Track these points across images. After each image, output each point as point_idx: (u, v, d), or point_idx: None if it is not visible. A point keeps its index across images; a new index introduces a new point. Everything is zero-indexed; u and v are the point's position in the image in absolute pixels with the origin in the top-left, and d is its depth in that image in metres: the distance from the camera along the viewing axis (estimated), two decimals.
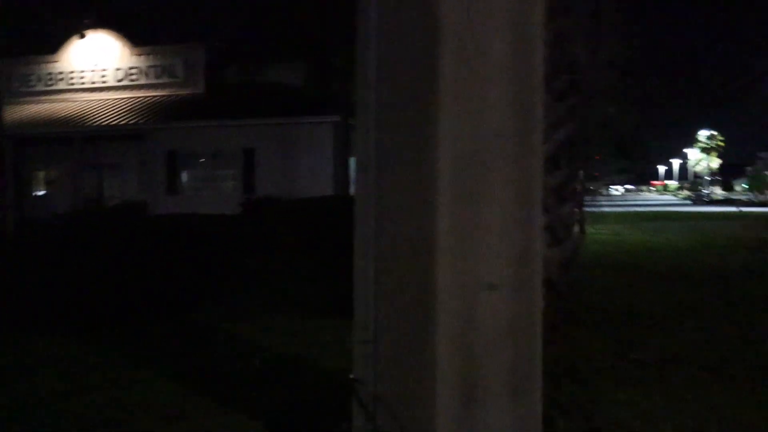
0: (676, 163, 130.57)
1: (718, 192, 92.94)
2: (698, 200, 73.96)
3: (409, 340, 2.77)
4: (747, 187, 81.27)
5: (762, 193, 67.96)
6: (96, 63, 21.90)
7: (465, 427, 2.69)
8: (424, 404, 2.67)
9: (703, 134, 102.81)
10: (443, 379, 2.66)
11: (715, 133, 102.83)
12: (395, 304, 2.84)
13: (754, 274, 11.37)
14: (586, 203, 5.45)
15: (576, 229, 4.66)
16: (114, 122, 20.07)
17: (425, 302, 2.71)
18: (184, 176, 20.51)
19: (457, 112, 2.71)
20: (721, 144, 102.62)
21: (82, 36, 21.95)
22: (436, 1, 2.67)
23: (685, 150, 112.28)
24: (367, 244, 2.95)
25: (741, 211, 39.30)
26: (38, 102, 21.94)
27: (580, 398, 4.47)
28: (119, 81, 21.86)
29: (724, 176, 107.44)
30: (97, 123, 20.17)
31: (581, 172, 5.23)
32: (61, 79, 22.31)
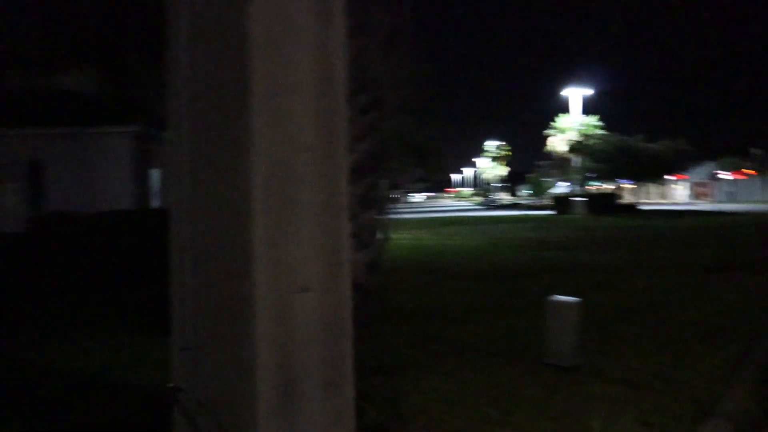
0: (468, 171, 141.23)
1: (505, 197, 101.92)
2: (489, 205, 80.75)
3: (228, 344, 2.88)
4: (532, 192, 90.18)
5: (542, 197, 75.93)
6: None
7: (284, 421, 2.87)
8: (245, 404, 2.80)
9: (491, 144, 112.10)
10: (262, 378, 2.80)
11: (502, 143, 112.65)
12: (214, 310, 2.94)
13: (533, 271, 12.81)
14: (389, 210, 5.88)
15: (381, 234, 5.02)
16: None
17: (242, 307, 2.83)
18: None
19: (268, 126, 2.88)
20: (509, 153, 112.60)
21: None
22: (245, 22, 2.82)
23: (474, 159, 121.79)
24: (183, 253, 3.01)
25: (527, 215, 43.79)
26: None
27: (388, 389, 4.85)
28: None
29: (512, 183, 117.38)
30: None
31: (385, 181, 5.61)
32: None
